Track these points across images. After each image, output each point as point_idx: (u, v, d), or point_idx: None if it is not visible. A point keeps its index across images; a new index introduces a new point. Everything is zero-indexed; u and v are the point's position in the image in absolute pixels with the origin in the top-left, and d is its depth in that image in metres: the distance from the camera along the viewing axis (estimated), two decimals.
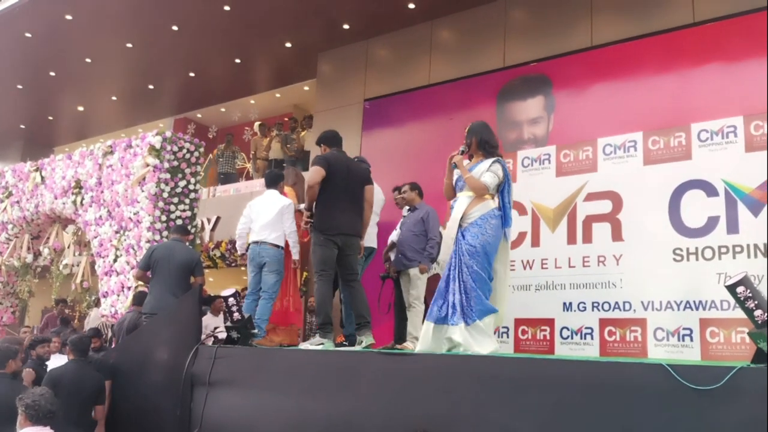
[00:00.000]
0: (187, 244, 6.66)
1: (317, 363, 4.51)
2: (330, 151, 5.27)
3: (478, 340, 4.42)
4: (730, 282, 3.23)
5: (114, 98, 13.39)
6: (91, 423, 4.98)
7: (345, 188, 5.08)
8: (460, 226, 4.58)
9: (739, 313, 4.82)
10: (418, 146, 8.70)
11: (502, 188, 4.64)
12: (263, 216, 5.68)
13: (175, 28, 10.21)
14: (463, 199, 4.63)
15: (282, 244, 5.59)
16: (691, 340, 5.82)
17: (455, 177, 4.78)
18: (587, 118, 7.36)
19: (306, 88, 12.24)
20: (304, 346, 5.00)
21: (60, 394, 4.45)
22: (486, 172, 4.60)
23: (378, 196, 6.03)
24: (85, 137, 15.18)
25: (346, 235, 5.05)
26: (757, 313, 3.14)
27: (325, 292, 5.01)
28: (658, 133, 6.41)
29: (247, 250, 5.82)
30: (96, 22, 10.17)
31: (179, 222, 7.54)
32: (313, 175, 5.03)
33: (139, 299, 6.47)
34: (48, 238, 9.42)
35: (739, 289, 3.17)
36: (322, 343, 4.88)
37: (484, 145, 4.72)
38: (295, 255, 5.61)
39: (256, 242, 5.60)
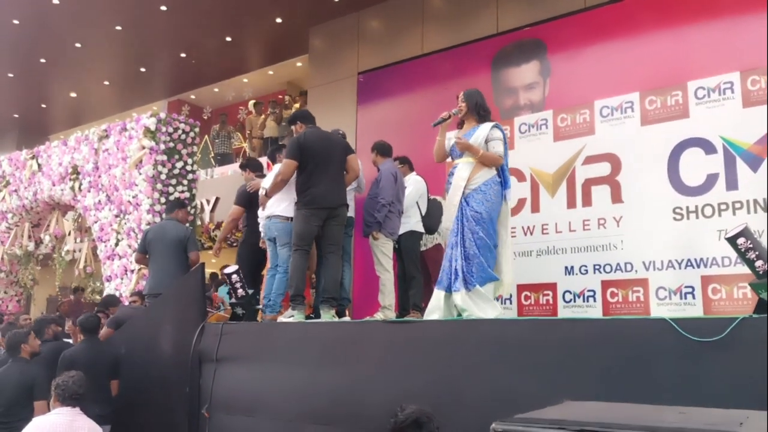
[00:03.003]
0: (188, 225, 6.66)
1: (322, 335, 4.54)
2: (306, 128, 5.29)
3: (480, 306, 4.47)
4: (730, 234, 3.24)
5: (106, 83, 13.30)
6: (108, 398, 5.04)
7: (326, 162, 5.08)
8: (462, 193, 4.61)
9: (741, 269, 4.86)
10: (414, 117, 8.64)
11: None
12: None
13: (163, 8, 10.10)
14: (464, 165, 4.64)
15: (292, 215, 5.49)
16: (693, 297, 5.86)
17: (450, 144, 4.79)
18: (583, 81, 7.31)
19: (299, 64, 12.14)
20: (280, 320, 5.06)
21: None
22: (493, 141, 4.64)
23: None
24: (79, 124, 15.09)
25: (331, 208, 5.07)
26: (759, 263, 3.15)
27: (299, 266, 5.04)
28: (654, 93, 6.38)
29: None
30: (84, 6, 10.05)
31: None
32: (286, 168, 5.07)
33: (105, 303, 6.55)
34: (48, 225, 9.43)
35: (740, 241, 3.18)
36: (293, 315, 4.94)
37: (478, 109, 4.75)
38: None
39: (267, 217, 5.59)
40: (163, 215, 7.39)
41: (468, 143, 4.62)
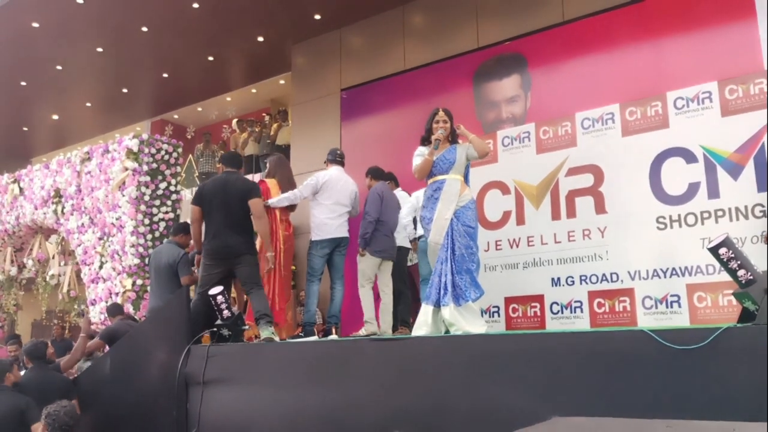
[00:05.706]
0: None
1: (310, 354, 4.51)
2: (222, 172, 5.57)
3: (470, 321, 4.50)
4: (712, 244, 3.26)
5: (88, 104, 13.23)
6: None
7: (218, 212, 5.23)
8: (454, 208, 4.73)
9: (725, 277, 4.87)
10: (397, 133, 8.67)
11: (467, 172, 4.96)
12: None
13: (144, 29, 10.09)
14: (453, 181, 4.75)
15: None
16: (680, 306, 5.88)
17: (435, 157, 4.85)
18: (564, 94, 7.37)
19: (282, 81, 12.16)
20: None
21: None
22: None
23: (351, 188, 6.02)
24: (62, 146, 15.01)
25: (227, 258, 5.21)
26: (741, 273, 3.16)
27: (199, 310, 5.20)
28: (634, 104, 6.43)
29: None
30: (64, 29, 10.03)
31: (162, 225, 7.51)
32: (191, 214, 5.39)
33: (113, 311, 6.47)
34: (31, 249, 9.33)
35: (722, 251, 3.19)
36: None
37: (454, 133, 4.97)
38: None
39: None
40: (148, 237, 7.37)
41: (466, 132, 4.91)
